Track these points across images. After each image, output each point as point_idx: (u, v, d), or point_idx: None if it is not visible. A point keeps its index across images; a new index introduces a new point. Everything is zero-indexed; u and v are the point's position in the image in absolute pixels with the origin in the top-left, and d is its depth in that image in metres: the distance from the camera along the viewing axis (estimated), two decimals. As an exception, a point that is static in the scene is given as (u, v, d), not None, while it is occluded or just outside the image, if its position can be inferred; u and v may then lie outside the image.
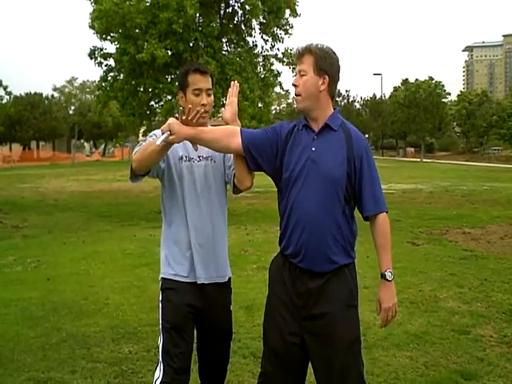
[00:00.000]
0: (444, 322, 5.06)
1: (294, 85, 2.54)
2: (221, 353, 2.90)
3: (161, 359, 2.65)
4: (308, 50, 2.50)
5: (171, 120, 2.47)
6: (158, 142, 2.41)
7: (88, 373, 4.03)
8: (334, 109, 2.59)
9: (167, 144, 2.45)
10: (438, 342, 4.56)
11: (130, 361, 4.24)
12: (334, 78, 2.52)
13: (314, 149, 2.48)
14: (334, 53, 2.55)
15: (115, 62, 14.30)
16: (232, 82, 2.84)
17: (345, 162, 2.47)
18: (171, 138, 2.42)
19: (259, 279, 6.37)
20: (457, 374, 3.91)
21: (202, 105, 2.68)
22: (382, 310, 2.54)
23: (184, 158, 2.77)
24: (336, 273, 2.51)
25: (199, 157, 2.79)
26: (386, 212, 2.56)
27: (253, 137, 2.58)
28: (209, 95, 2.74)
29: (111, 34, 13.93)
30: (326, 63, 2.49)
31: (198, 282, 2.72)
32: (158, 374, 2.63)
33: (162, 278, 2.78)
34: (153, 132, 2.74)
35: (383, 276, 2.56)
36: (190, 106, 2.47)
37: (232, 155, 2.70)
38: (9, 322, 5.23)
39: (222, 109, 2.76)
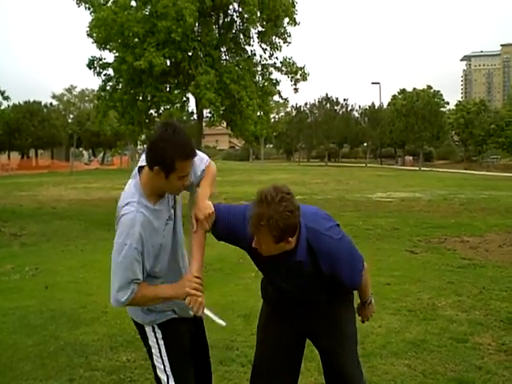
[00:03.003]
0: (442, 330, 5.06)
1: None
2: (207, 356, 2.93)
3: None
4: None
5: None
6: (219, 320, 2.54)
7: (86, 381, 4.03)
8: None
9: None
10: (436, 350, 4.56)
11: (128, 369, 4.24)
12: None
13: None
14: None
15: (114, 71, 14.35)
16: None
17: None
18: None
19: (258, 287, 6.29)
20: (455, 382, 3.91)
21: (183, 185, 2.50)
22: None
23: (162, 228, 2.50)
24: None
25: (172, 207, 2.58)
26: None
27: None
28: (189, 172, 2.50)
29: (110, 44, 13.98)
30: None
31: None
32: None
33: (156, 325, 2.61)
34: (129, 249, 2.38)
35: None
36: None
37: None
38: (7, 331, 5.23)
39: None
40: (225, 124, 15.93)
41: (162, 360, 2.58)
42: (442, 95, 72.71)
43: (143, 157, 2.49)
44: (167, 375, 2.56)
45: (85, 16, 14.49)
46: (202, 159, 2.70)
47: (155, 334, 2.60)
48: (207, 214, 2.54)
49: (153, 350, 2.61)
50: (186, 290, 2.40)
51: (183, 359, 2.62)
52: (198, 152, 2.55)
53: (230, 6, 14.39)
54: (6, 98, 33.52)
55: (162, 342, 2.58)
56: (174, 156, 2.32)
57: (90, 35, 13.92)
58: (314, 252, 2.44)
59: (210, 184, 2.68)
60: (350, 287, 2.65)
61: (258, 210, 2.30)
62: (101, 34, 13.43)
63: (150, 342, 2.61)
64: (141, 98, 14.51)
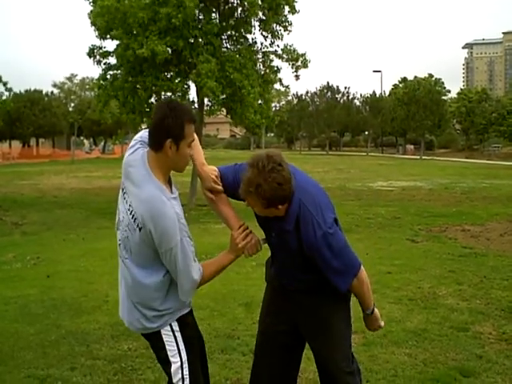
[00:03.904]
0: (443, 319, 5.06)
1: None
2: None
3: None
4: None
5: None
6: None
7: (87, 370, 4.04)
8: None
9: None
10: (437, 339, 4.57)
11: (130, 358, 4.25)
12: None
13: None
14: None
15: (117, 58, 14.29)
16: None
17: None
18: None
19: (258, 276, 6.34)
20: (455, 371, 3.91)
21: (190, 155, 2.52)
22: None
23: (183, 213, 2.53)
24: None
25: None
26: None
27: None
28: None
29: (112, 32, 13.92)
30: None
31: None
32: None
33: (175, 320, 2.55)
34: None
35: None
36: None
37: None
38: (8, 319, 5.24)
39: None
40: (225, 112, 15.89)
41: (179, 352, 2.52)
42: (443, 83, 72.34)
43: (136, 154, 2.47)
44: (184, 367, 2.51)
45: (85, 4, 14.41)
46: None
47: (172, 328, 2.53)
48: (213, 178, 2.60)
49: (167, 347, 2.52)
50: (239, 247, 2.60)
51: (197, 351, 2.61)
52: None
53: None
54: (9, 90, 33.53)
55: (178, 334, 2.53)
56: (182, 121, 2.36)
57: (93, 23, 13.89)
58: (299, 230, 2.43)
59: (198, 151, 2.68)
60: (335, 285, 2.51)
61: (248, 174, 2.34)
62: (104, 22, 13.38)
63: (165, 339, 2.52)
64: (141, 86, 14.46)
